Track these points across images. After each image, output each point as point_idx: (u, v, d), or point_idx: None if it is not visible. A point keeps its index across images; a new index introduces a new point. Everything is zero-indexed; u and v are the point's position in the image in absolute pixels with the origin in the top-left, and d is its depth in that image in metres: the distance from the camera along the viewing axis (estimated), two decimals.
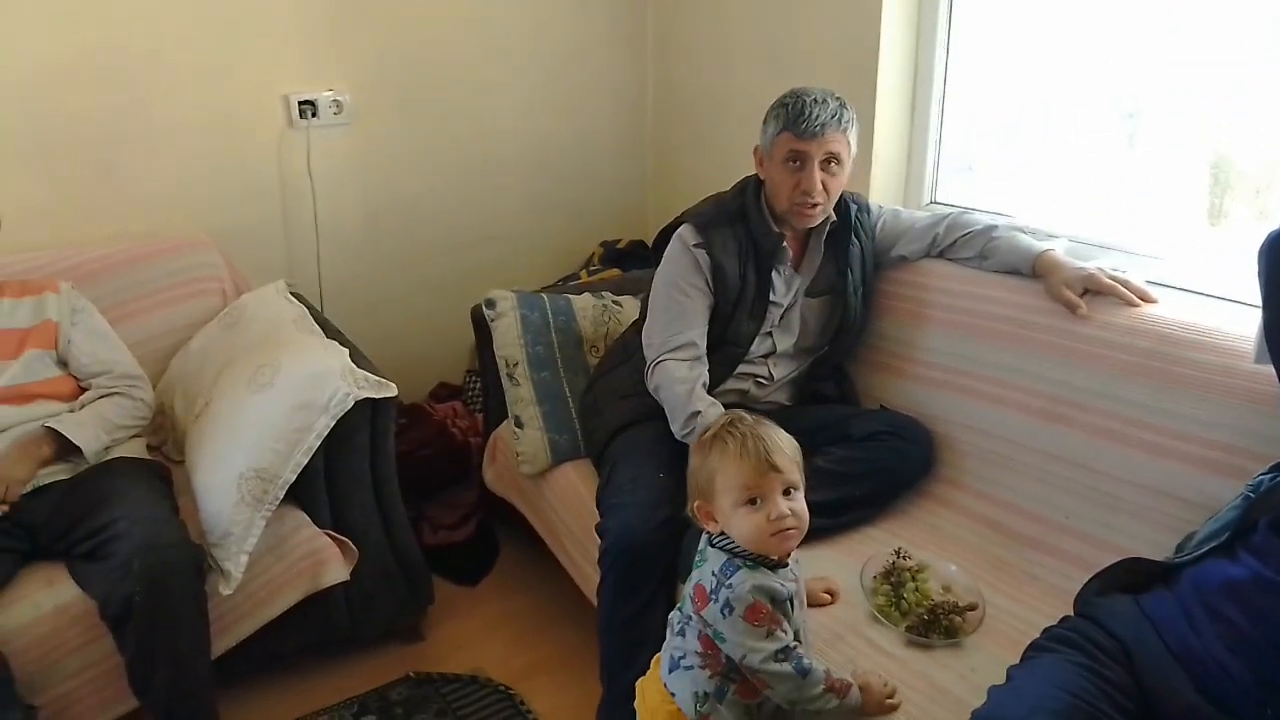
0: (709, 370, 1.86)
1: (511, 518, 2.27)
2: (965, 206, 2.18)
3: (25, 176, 2.17)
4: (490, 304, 2.23)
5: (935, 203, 2.35)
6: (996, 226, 1.91)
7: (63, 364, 1.89)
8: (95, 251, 2.18)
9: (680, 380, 1.79)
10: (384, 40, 2.60)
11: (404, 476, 2.03)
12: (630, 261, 2.92)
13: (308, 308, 2.19)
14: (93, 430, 1.80)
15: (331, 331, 2.10)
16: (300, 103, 2.51)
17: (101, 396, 1.87)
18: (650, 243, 3.06)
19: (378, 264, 2.76)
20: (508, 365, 2.16)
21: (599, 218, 3.14)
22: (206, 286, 2.28)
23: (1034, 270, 1.81)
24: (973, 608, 1.45)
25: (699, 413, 1.74)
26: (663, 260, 1.92)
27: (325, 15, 2.49)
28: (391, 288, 2.79)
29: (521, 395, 2.12)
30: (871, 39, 2.23)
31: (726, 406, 1.88)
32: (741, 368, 1.92)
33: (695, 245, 1.86)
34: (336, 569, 1.86)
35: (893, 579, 1.51)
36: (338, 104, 2.57)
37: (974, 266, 1.92)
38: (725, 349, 1.89)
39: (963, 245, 1.94)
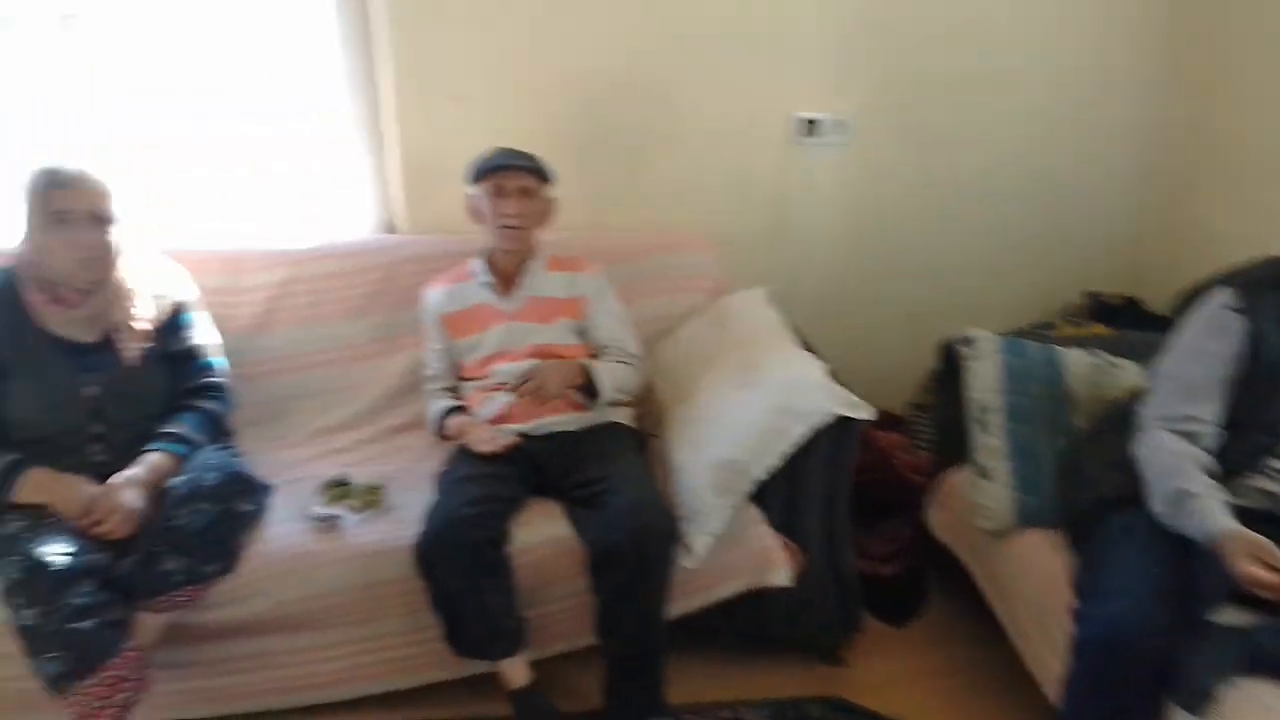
0: (1226, 456, 1.61)
1: (946, 566, 2.17)
2: None
3: (577, 167, 2.48)
4: (968, 342, 2.14)
5: None
6: None
7: (581, 334, 2.15)
8: (615, 238, 2.47)
9: (1171, 451, 1.59)
10: (893, 66, 2.62)
11: None
12: (1122, 319, 2.64)
13: (783, 317, 2.28)
14: (609, 382, 2.03)
15: (806, 344, 2.16)
16: (806, 121, 2.62)
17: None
18: (1141, 300, 2.76)
19: (847, 281, 2.80)
20: (980, 410, 2.05)
21: (1082, 265, 2.90)
22: (698, 284, 2.47)
23: None
24: None
25: (1193, 495, 1.51)
26: (1185, 322, 1.71)
27: (840, 40, 2.57)
28: (855, 307, 2.82)
29: (991, 445, 2.00)
30: None
31: (1252, 511, 1.61)
32: (1274, 463, 1.63)
33: (1232, 309, 1.62)
34: (782, 571, 1.91)
35: None
36: (840, 125, 2.64)
37: None
38: (1251, 435, 1.62)
39: None
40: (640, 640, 1.78)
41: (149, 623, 1.68)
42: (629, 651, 1.80)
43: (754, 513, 1.94)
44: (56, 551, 1.59)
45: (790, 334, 2.21)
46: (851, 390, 1.94)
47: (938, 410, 2.37)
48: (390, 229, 2.56)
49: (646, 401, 2.30)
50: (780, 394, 1.88)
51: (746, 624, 2.02)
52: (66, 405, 1.78)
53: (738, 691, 1.99)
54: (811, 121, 2.63)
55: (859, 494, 2.44)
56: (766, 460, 1.85)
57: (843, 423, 1.90)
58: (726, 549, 1.88)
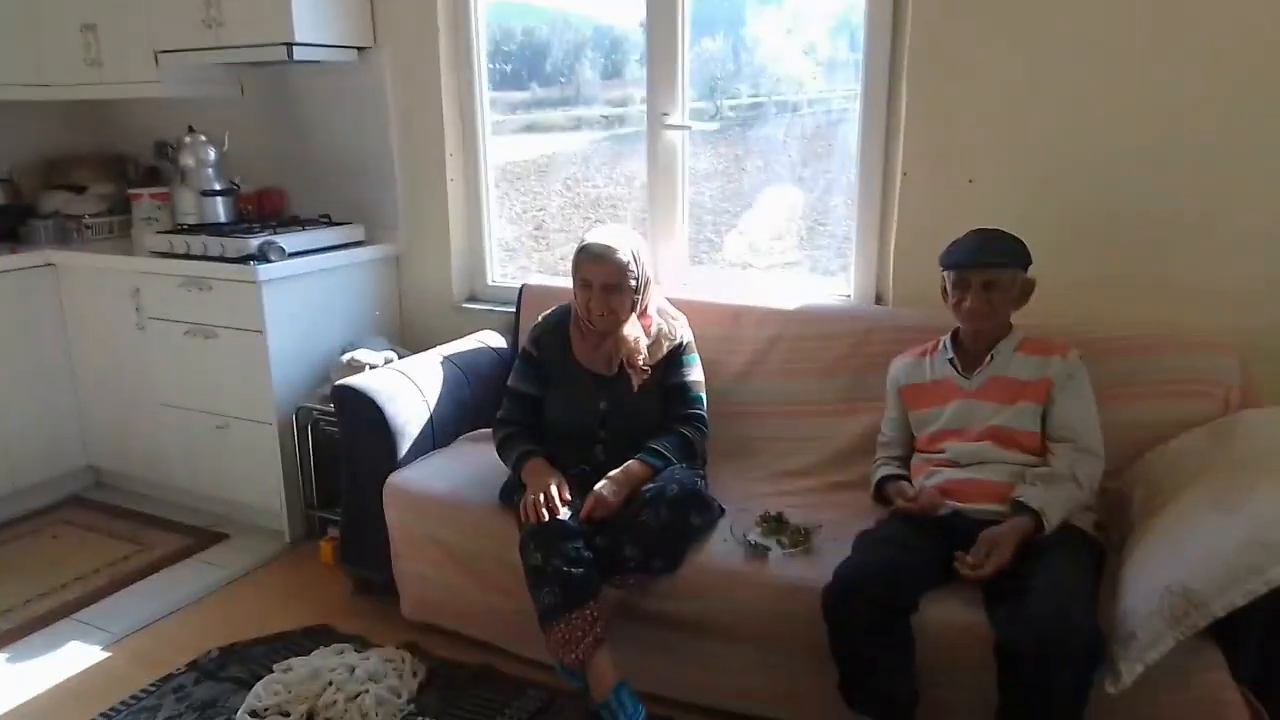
0: None
1: None
2: None
3: (1084, 249, 2.37)
4: None
5: None
6: None
7: (1042, 420, 2.04)
8: (1117, 330, 2.26)
9: None
10: None
11: None
12: None
13: None
14: (1059, 510, 1.90)
15: None
16: None
17: (1061, 475, 1.94)
18: None
19: None
20: None
21: None
22: (1209, 390, 2.15)
23: None
24: None
25: None
26: None
27: None
28: None
29: None
30: None
31: None
32: None
33: None
34: None
35: None
36: None
37: None
38: None
39: None
40: None
41: (608, 594, 2.07)
42: None
43: (1214, 656, 1.65)
44: (562, 514, 2.07)
45: None
46: None
47: None
48: (878, 299, 2.71)
49: (1117, 510, 2.09)
50: (1262, 524, 1.59)
51: None
52: (583, 414, 2.31)
53: None
54: None
55: None
56: (1230, 597, 1.57)
57: None
58: (1164, 688, 1.64)
